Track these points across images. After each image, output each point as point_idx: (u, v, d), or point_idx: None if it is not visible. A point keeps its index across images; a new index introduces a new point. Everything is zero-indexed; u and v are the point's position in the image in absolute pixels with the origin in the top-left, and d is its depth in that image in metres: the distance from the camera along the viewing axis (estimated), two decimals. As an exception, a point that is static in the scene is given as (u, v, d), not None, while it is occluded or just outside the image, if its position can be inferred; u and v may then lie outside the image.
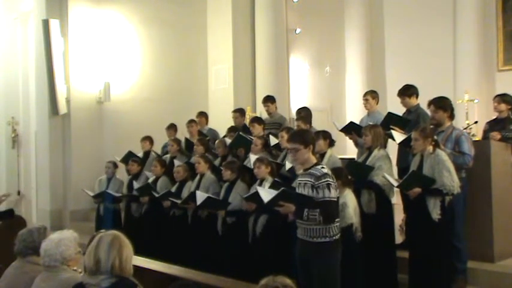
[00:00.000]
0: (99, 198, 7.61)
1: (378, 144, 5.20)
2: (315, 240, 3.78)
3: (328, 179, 3.73)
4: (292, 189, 4.77)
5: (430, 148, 4.67)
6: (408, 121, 5.67)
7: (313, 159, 3.86)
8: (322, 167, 3.80)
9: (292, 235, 4.89)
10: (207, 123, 8.21)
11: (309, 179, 3.77)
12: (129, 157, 7.81)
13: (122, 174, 8.01)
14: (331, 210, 3.73)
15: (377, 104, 6.41)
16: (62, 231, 3.21)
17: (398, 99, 5.98)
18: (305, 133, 4.01)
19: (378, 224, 5.01)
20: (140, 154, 8.00)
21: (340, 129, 6.14)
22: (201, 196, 5.73)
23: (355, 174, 5.12)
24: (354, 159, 6.04)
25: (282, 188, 4.08)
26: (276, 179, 5.38)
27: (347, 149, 7.12)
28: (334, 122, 6.51)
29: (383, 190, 5.04)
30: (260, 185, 5.38)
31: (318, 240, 3.77)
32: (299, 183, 3.89)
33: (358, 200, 4.95)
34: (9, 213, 6.02)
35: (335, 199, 3.77)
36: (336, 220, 3.83)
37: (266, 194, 4.11)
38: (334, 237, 3.79)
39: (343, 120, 6.85)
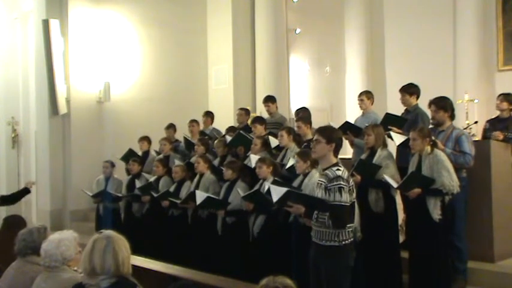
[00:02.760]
0: (98, 198, 7.62)
1: (380, 143, 5.21)
2: (323, 243, 3.66)
3: (341, 182, 3.55)
4: (293, 187, 4.78)
5: (428, 148, 4.68)
6: (405, 120, 5.68)
7: (333, 160, 3.70)
8: (338, 169, 3.61)
9: (293, 235, 4.92)
10: (212, 123, 8.22)
11: (324, 180, 3.66)
12: (129, 155, 7.82)
13: (119, 174, 8.02)
14: (341, 215, 3.56)
15: (372, 104, 6.42)
16: (62, 232, 3.21)
17: (398, 99, 5.99)
18: (333, 131, 3.87)
19: (384, 223, 5.01)
20: (139, 154, 8.00)
21: None
22: (200, 196, 5.73)
23: (363, 173, 5.11)
24: (350, 159, 6.06)
25: (287, 189, 4.02)
26: (276, 178, 5.38)
27: (347, 149, 7.12)
28: (329, 122, 6.51)
29: (390, 189, 5.03)
30: (261, 185, 5.39)
31: (326, 244, 3.64)
32: (317, 183, 3.79)
33: (366, 199, 4.95)
34: (26, 190, 6.44)
35: (347, 204, 3.57)
36: (348, 226, 3.64)
37: (275, 193, 4.04)
38: (343, 242, 3.61)
39: (343, 120, 6.85)
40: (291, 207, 3.85)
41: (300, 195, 3.99)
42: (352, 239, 3.70)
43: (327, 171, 3.67)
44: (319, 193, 3.67)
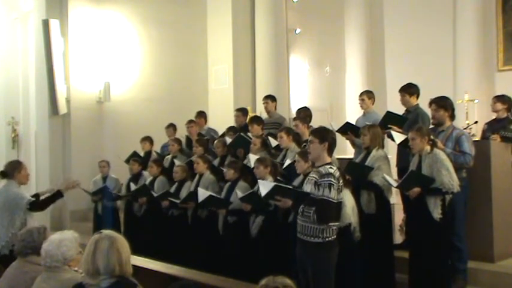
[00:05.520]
0: (98, 196, 7.61)
1: (376, 144, 5.20)
2: (308, 240, 3.79)
3: (331, 179, 3.71)
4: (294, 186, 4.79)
5: (428, 148, 4.68)
6: (406, 119, 5.68)
7: (327, 159, 3.86)
8: (331, 167, 3.78)
9: (292, 235, 4.92)
10: (206, 123, 8.21)
11: (315, 176, 3.80)
12: (133, 157, 7.81)
13: (120, 173, 8.02)
14: (326, 210, 3.71)
15: (373, 104, 6.41)
16: (62, 232, 3.20)
17: (398, 99, 5.98)
18: (325, 130, 4.02)
19: (376, 224, 5.01)
20: (141, 154, 8.00)
21: (336, 130, 6.13)
22: (203, 194, 5.70)
23: (354, 174, 5.12)
24: (352, 159, 6.04)
25: (275, 183, 4.11)
26: (278, 177, 5.37)
27: (347, 149, 7.13)
28: (330, 123, 6.51)
29: (382, 190, 5.04)
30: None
31: (311, 240, 3.77)
32: (307, 178, 3.94)
33: (358, 200, 4.95)
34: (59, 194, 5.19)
35: (334, 200, 3.73)
36: (332, 223, 3.78)
37: (264, 188, 4.20)
38: (327, 239, 3.76)
39: (343, 120, 6.85)
40: (279, 202, 3.99)
41: (288, 189, 4.10)
42: (335, 237, 3.82)
43: (320, 168, 3.82)
44: (308, 188, 3.80)
